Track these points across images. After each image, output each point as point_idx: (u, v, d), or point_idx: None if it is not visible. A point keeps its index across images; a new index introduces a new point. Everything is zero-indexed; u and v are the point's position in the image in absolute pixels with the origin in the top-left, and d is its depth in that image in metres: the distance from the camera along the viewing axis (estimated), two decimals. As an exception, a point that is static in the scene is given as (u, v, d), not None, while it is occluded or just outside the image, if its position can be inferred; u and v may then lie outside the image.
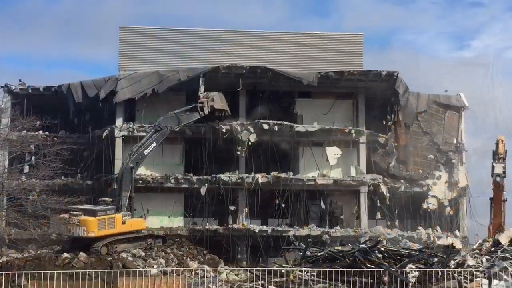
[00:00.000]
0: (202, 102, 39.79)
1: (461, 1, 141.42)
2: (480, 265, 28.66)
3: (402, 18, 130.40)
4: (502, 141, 35.94)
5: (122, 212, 33.65)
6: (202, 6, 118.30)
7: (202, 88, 41.52)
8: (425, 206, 45.42)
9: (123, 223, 33.25)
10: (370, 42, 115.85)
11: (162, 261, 32.26)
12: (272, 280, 27.08)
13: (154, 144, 36.18)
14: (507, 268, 27.14)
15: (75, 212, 32.53)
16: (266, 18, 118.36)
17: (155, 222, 41.83)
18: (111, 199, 33.93)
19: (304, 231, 41.45)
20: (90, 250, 31.32)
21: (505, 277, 26.51)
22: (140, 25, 48.01)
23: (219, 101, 40.49)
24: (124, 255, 31.99)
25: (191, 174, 42.77)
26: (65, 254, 30.73)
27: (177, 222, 43.04)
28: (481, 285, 26.39)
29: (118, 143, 42.58)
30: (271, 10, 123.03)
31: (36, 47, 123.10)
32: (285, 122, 43.05)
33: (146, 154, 35.77)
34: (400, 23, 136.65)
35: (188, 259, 33.73)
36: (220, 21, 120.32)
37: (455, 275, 26.80)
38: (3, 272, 25.79)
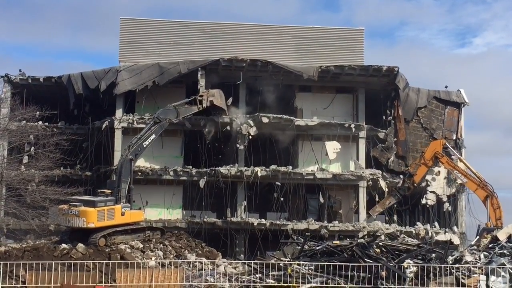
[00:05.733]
0: (202, 96, 39.75)
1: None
2: (478, 261, 28.69)
3: (406, 14, 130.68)
4: None
5: (121, 203, 33.64)
6: (211, 0, 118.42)
7: (201, 81, 41.46)
8: (423, 201, 45.42)
9: (122, 214, 33.24)
10: (377, 37, 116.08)
11: (160, 253, 32.25)
12: (270, 273, 27.10)
13: (153, 136, 36.14)
14: (505, 264, 27.18)
15: (74, 203, 32.51)
16: (276, 12, 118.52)
17: (154, 214, 41.86)
18: (110, 190, 33.91)
19: (302, 225, 41.46)
20: (88, 241, 31.31)
21: (502, 273, 26.56)
22: (142, 17, 47.99)
23: (218, 98, 40.46)
24: (122, 246, 31.98)
25: (190, 167, 42.75)
26: (64, 245, 30.73)
27: (175, 215, 43.06)
28: (479, 281, 26.44)
29: (118, 134, 42.56)
30: (281, 5, 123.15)
31: (45, 38, 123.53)
32: (285, 116, 43.03)
33: (145, 146, 35.73)
34: (404, 19, 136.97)
35: (186, 251, 33.72)
36: (230, 15, 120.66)
37: (452, 271, 26.84)
38: (1, 262, 25.75)
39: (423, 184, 45.08)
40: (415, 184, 38.73)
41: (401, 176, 44.51)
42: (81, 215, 31.82)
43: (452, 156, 42.62)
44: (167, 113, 37.41)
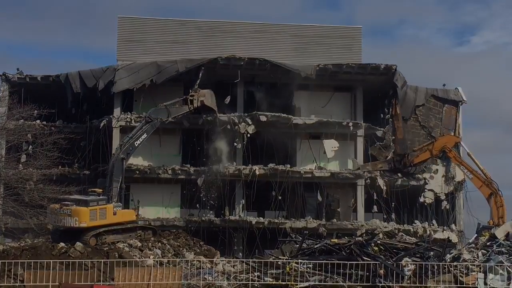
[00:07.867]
0: (192, 96, 39.66)
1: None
2: (476, 259, 28.72)
3: (405, 12, 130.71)
4: None
5: (113, 202, 33.55)
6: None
7: (198, 81, 41.34)
8: (421, 199, 45.44)
9: (114, 214, 33.13)
10: (377, 35, 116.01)
11: (159, 251, 32.24)
12: (268, 272, 27.10)
13: (144, 136, 36.06)
14: (503, 262, 27.21)
15: (66, 202, 32.41)
16: (277, 10, 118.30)
17: (152, 213, 41.81)
18: (101, 189, 33.82)
19: (300, 224, 41.50)
20: (79, 241, 31.13)
21: (500, 271, 26.61)
22: (139, 15, 47.99)
23: (209, 99, 40.36)
24: (120, 245, 31.93)
25: (188, 165, 42.74)
26: (62, 244, 30.67)
27: (173, 213, 43.03)
28: (477, 279, 26.47)
29: (116, 133, 42.50)
30: (282, 3, 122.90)
31: (44, 37, 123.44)
32: (283, 114, 43.03)
33: (136, 145, 35.65)
34: (403, 17, 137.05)
35: (185, 250, 33.72)
36: (230, 13, 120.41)
37: (451, 269, 26.87)
38: (0, 261, 25.76)
39: (421, 182, 45.10)
40: (411, 164, 38.49)
41: (399, 175, 44.50)
42: (74, 214, 31.67)
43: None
44: (158, 112, 37.42)
